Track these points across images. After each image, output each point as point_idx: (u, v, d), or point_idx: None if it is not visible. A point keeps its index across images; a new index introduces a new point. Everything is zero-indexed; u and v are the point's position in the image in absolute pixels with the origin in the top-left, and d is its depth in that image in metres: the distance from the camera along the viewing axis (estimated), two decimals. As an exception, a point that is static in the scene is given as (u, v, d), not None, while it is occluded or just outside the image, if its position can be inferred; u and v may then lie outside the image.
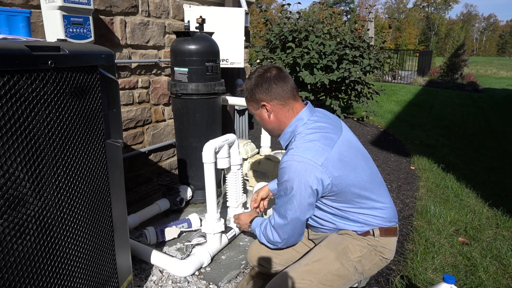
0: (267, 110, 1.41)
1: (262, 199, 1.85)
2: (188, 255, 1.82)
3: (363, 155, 1.41)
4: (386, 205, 1.40)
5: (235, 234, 2.04)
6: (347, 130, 1.44)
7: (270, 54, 5.18)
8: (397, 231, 1.43)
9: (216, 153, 1.84)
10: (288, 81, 1.39)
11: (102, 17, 2.35)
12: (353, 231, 1.40)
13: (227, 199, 2.06)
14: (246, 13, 3.33)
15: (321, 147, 1.26)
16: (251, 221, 1.64)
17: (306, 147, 1.27)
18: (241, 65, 3.15)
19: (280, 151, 2.68)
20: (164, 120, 3.00)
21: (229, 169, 1.98)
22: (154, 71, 2.82)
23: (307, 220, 1.39)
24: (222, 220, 1.91)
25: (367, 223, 1.37)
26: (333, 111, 5.16)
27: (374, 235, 1.37)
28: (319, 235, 1.53)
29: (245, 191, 2.69)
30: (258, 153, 2.76)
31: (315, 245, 1.54)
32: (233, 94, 3.54)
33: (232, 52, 3.08)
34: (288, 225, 1.35)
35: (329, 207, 1.37)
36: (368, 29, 5.67)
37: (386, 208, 1.40)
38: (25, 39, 1.23)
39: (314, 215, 1.43)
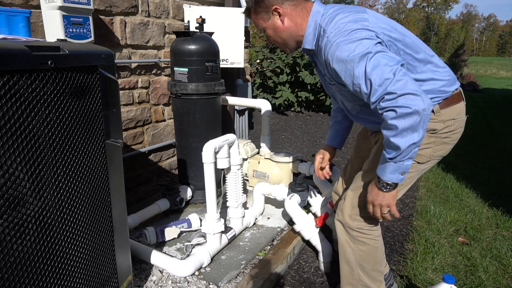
0: (279, 14, 1.32)
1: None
2: (188, 255, 1.82)
3: None
4: (445, 65, 1.32)
5: (235, 234, 2.05)
6: None
7: (270, 54, 5.19)
8: (461, 95, 1.33)
9: (216, 153, 1.84)
10: None
11: (102, 17, 2.35)
12: None
13: (227, 199, 2.06)
14: (246, 13, 3.33)
15: (359, 15, 1.19)
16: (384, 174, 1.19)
17: (346, 21, 1.17)
18: (241, 65, 3.15)
19: (280, 151, 2.68)
20: (164, 120, 3.00)
21: (229, 169, 1.99)
22: (154, 71, 2.82)
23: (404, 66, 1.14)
24: (222, 220, 1.91)
25: (429, 89, 1.28)
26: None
27: (434, 112, 1.28)
28: (379, 136, 1.44)
29: (245, 191, 2.69)
30: (258, 153, 2.77)
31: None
32: (233, 94, 3.55)
33: (232, 52, 3.08)
34: (399, 81, 1.05)
35: None
36: (368, 29, 5.66)
37: (446, 66, 1.32)
38: (25, 39, 1.23)
39: (367, 110, 1.35)
